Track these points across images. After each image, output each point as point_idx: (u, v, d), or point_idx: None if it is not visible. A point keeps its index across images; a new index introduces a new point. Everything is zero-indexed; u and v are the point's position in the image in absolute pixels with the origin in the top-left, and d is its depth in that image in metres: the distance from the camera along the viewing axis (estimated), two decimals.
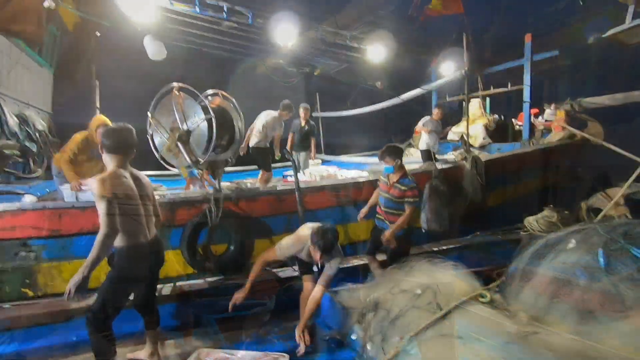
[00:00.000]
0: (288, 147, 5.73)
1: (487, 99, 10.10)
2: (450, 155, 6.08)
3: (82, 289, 2.08)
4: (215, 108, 4.20)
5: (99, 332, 2.20)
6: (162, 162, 3.93)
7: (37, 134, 5.34)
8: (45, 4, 4.27)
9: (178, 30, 6.49)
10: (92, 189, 2.24)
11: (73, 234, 3.41)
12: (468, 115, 6.23)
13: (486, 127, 9.69)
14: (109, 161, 2.33)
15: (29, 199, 3.46)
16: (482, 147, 9.78)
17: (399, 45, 8.37)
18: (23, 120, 5.16)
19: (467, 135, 6.14)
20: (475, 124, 9.98)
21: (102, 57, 7.51)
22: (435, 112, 5.94)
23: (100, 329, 2.21)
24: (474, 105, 10.09)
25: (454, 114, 10.75)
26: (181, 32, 6.58)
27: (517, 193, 6.22)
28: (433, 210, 5.07)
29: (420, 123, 5.93)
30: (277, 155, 5.25)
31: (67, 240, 3.40)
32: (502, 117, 10.75)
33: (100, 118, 3.95)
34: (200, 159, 3.79)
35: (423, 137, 5.94)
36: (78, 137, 3.78)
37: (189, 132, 3.75)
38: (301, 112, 6.15)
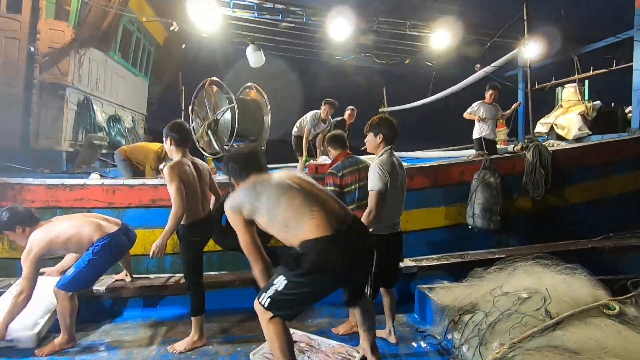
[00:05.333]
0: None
1: (586, 83, 8.51)
2: (511, 146, 5.34)
3: (162, 251, 2.56)
4: (246, 100, 4.56)
5: (197, 290, 2.71)
6: (200, 149, 4.40)
7: (126, 131, 6.49)
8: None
9: (239, 34, 7.12)
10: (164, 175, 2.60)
11: (124, 207, 4.06)
12: (529, 107, 5.39)
13: (584, 116, 8.17)
14: (176, 152, 2.70)
15: (94, 177, 4.27)
16: (578, 140, 8.30)
17: (468, 29, 7.67)
18: (116, 119, 6.33)
19: (531, 125, 5.32)
20: (569, 112, 8.51)
21: (186, 65, 8.68)
22: (488, 94, 5.28)
23: (197, 286, 2.72)
24: (569, 91, 8.61)
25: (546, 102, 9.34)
26: (242, 36, 7.20)
27: (599, 193, 5.14)
28: (480, 205, 4.58)
29: (469, 109, 5.32)
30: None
31: (120, 212, 4.06)
32: (613, 104, 8.92)
33: None
34: (226, 146, 4.15)
35: (476, 125, 5.35)
36: (152, 148, 4.36)
37: (217, 121, 4.15)
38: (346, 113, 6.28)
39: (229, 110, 4.05)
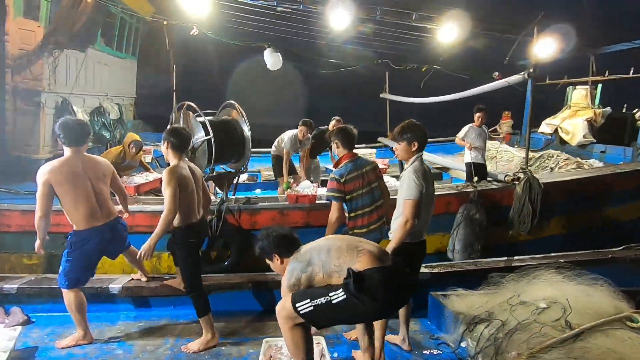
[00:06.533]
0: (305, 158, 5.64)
1: (599, 87, 8.01)
2: (502, 175, 5.18)
3: (150, 254, 2.62)
4: (226, 121, 4.35)
5: (197, 292, 2.79)
6: None
7: (111, 124, 6.30)
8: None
9: (230, 20, 6.63)
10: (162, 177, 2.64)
11: None
12: (529, 122, 5.12)
13: (591, 122, 7.81)
14: (173, 157, 2.76)
15: None
16: (581, 147, 8.01)
17: (479, 23, 7.07)
18: (100, 112, 6.12)
19: (528, 146, 5.09)
20: (576, 117, 8.13)
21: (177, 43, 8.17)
22: (477, 117, 5.11)
23: (198, 288, 2.81)
24: (580, 94, 8.15)
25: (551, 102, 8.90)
26: (233, 21, 6.72)
27: (586, 224, 5.07)
28: (461, 241, 4.54)
29: (460, 134, 5.15)
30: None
31: None
32: (625, 107, 8.47)
33: (132, 135, 4.55)
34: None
35: (466, 149, 5.20)
36: (114, 151, 4.46)
37: (193, 149, 3.99)
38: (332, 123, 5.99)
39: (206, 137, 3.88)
